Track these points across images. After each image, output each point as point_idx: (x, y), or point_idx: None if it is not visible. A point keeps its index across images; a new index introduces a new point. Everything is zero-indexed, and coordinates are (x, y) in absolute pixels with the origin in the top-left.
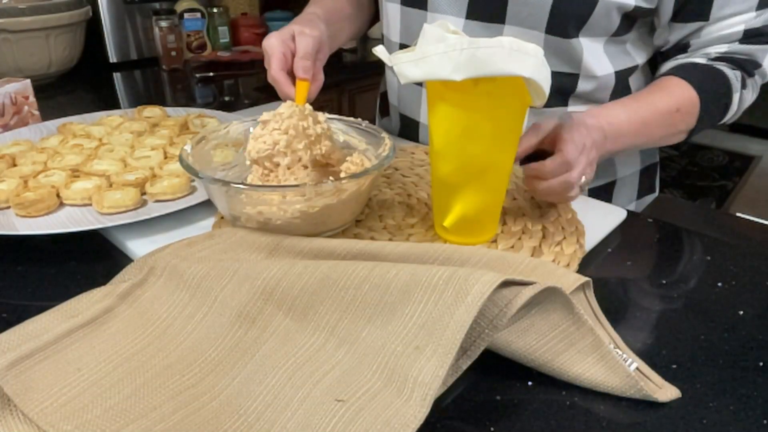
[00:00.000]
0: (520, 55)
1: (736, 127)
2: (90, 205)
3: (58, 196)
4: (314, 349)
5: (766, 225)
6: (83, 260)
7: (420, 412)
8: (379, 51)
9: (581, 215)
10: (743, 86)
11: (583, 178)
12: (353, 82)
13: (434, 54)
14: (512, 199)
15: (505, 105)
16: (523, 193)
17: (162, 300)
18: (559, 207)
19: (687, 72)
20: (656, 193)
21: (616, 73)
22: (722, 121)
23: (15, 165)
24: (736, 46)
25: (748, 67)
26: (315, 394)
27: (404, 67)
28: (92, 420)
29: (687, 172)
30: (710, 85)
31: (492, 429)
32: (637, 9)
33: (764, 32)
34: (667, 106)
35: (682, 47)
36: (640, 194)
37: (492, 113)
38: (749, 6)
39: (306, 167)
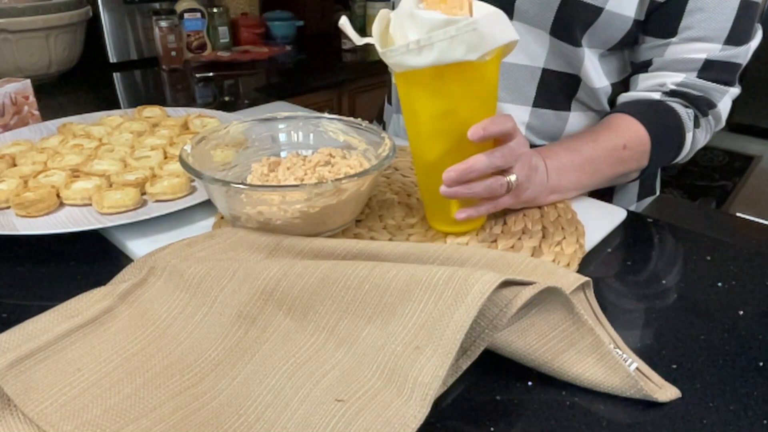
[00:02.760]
0: (501, 17)
1: (736, 127)
2: (90, 205)
3: (58, 196)
4: (314, 349)
5: (766, 225)
6: (83, 260)
7: (420, 412)
8: (346, 26)
9: (581, 215)
10: (696, 125)
11: (513, 176)
12: (353, 82)
13: (443, 39)
14: None
15: (483, 77)
16: None
17: (162, 300)
18: (559, 207)
19: (637, 109)
20: (656, 194)
21: (612, 84)
22: (675, 161)
23: (15, 165)
24: (693, 78)
25: (701, 105)
26: (315, 394)
27: (405, 57)
28: (92, 420)
29: (687, 172)
30: (661, 124)
31: (492, 429)
32: (635, 22)
33: (726, 69)
34: (613, 144)
35: (645, 63)
36: (640, 197)
37: (472, 89)
38: (717, 36)
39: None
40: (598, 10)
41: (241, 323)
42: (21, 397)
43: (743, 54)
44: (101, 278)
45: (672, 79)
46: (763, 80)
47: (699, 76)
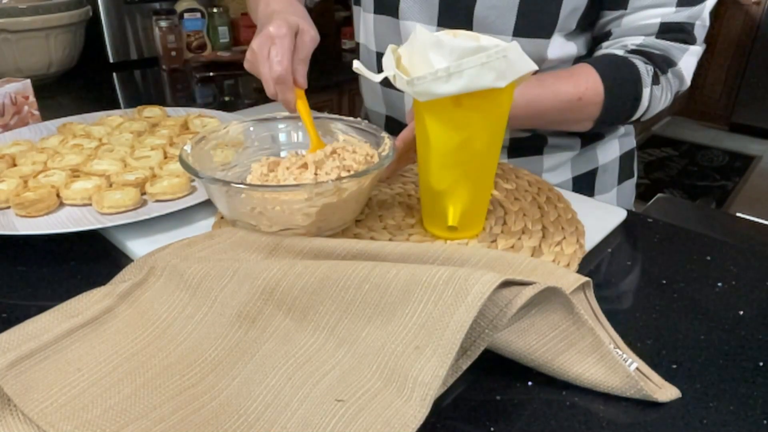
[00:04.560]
0: (519, 48)
1: (736, 127)
2: (90, 205)
3: (58, 196)
4: (314, 349)
5: (766, 225)
6: (83, 260)
7: (420, 412)
8: (361, 68)
9: (581, 215)
10: (654, 82)
11: None
12: (353, 82)
13: (473, 66)
14: (513, 199)
15: (500, 106)
16: (524, 192)
17: (162, 300)
18: (559, 207)
19: (598, 61)
20: (635, 178)
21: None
22: (635, 116)
23: (15, 165)
24: (652, 40)
25: (660, 63)
26: (315, 394)
27: (431, 85)
28: (92, 420)
29: (687, 172)
30: (618, 77)
31: (492, 429)
32: (590, 2)
33: (683, 29)
34: (567, 95)
35: (604, 35)
36: (621, 179)
37: (488, 118)
38: (669, 0)
39: (306, 166)
40: (558, 3)
41: (241, 323)
42: (21, 397)
43: (698, 13)
44: (101, 278)
45: (632, 41)
46: (763, 80)
47: (658, 38)
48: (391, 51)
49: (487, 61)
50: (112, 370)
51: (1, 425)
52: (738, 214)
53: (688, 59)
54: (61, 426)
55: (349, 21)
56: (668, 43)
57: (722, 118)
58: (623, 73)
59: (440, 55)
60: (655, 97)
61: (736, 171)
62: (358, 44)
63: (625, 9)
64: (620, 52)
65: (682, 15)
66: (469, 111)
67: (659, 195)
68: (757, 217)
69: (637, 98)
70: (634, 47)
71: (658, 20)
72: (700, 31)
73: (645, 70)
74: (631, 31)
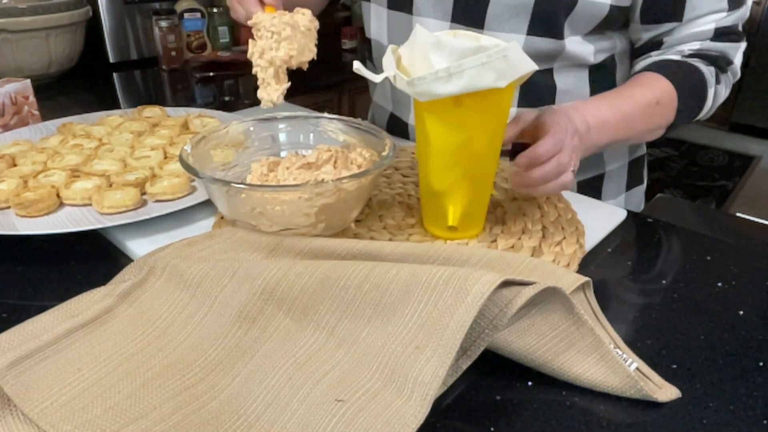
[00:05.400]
0: (519, 48)
1: (736, 127)
2: (90, 205)
3: (58, 196)
4: (314, 349)
5: (766, 225)
6: (83, 260)
7: (420, 412)
8: (362, 69)
9: (581, 215)
10: (717, 81)
11: (573, 163)
12: (353, 82)
13: (474, 66)
14: (512, 199)
15: (500, 106)
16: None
17: (162, 300)
18: (559, 207)
19: (663, 68)
20: (644, 184)
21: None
22: (698, 117)
23: (15, 165)
24: (708, 44)
25: (720, 63)
26: (315, 394)
27: (432, 85)
28: (92, 420)
29: (687, 172)
30: (686, 80)
31: (492, 429)
32: (613, 9)
33: (734, 30)
34: (648, 100)
35: (655, 44)
36: (629, 186)
37: (488, 118)
38: (721, 6)
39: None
40: (571, 4)
41: (241, 323)
42: (21, 397)
43: (745, 12)
44: (101, 278)
45: (689, 47)
46: (763, 80)
47: (713, 41)
48: (392, 51)
49: (487, 61)
50: (112, 370)
51: (1, 425)
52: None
53: (740, 56)
54: (61, 426)
55: (349, 21)
56: (723, 44)
57: (722, 118)
58: (689, 75)
59: (440, 56)
60: (718, 96)
61: (736, 171)
62: (356, 47)
63: (680, 21)
64: (677, 57)
65: (733, 17)
66: (469, 111)
67: (659, 195)
68: (757, 217)
69: (704, 99)
70: (691, 52)
71: (713, 26)
72: (744, 26)
73: (708, 71)
74: (686, 38)
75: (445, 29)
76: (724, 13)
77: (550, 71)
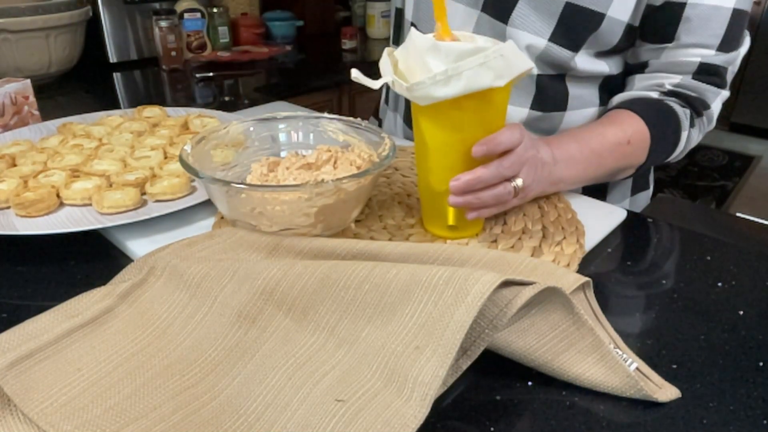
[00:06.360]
0: (515, 46)
1: (736, 127)
2: (90, 205)
3: (58, 196)
4: (314, 349)
5: (766, 225)
6: (83, 260)
7: (420, 412)
8: (360, 77)
9: (581, 215)
10: (691, 125)
11: (520, 181)
12: (353, 82)
13: (471, 67)
14: None
15: (497, 105)
16: None
17: (162, 300)
18: (559, 207)
19: (639, 106)
20: (650, 190)
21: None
22: (668, 159)
23: (15, 165)
24: (688, 80)
25: (697, 105)
26: (315, 394)
27: (431, 89)
28: (92, 420)
29: (687, 172)
30: (660, 121)
31: (492, 429)
32: (628, 27)
33: (718, 72)
34: (618, 138)
35: (640, 65)
36: (634, 191)
37: (486, 117)
38: (712, 42)
39: (309, 166)
40: (600, 17)
41: (241, 323)
42: (21, 397)
43: (733, 59)
44: (101, 278)
45: (669, 80)
46: (763, 80)
47: (694, 78)
48: (386, 55)
49: (485, 61)
50: (112, 370)
51: (1, 425)
52: (738, 214)
53: (718, 103)
54: (61, 426)
55: (349, 21)
56: (704, 85)
57: (722, 118)
58: (664, 117)
59: (437, 59)
60: (691, 139)
61: (736, 171)
62: (356, 47)
63: (670, 43)
64: (655, 95)
65: (719, 59)
66: (466, 111)
67: (659, 195)
68: (757, 217)
69: (677, 142)
70: (671, 88)
71: (698, 60)
72: (730, 77)
73: (683, 113)
74: (669, 67)
75: (474, 17)
76: (713, 51)
77: (562, 77)
